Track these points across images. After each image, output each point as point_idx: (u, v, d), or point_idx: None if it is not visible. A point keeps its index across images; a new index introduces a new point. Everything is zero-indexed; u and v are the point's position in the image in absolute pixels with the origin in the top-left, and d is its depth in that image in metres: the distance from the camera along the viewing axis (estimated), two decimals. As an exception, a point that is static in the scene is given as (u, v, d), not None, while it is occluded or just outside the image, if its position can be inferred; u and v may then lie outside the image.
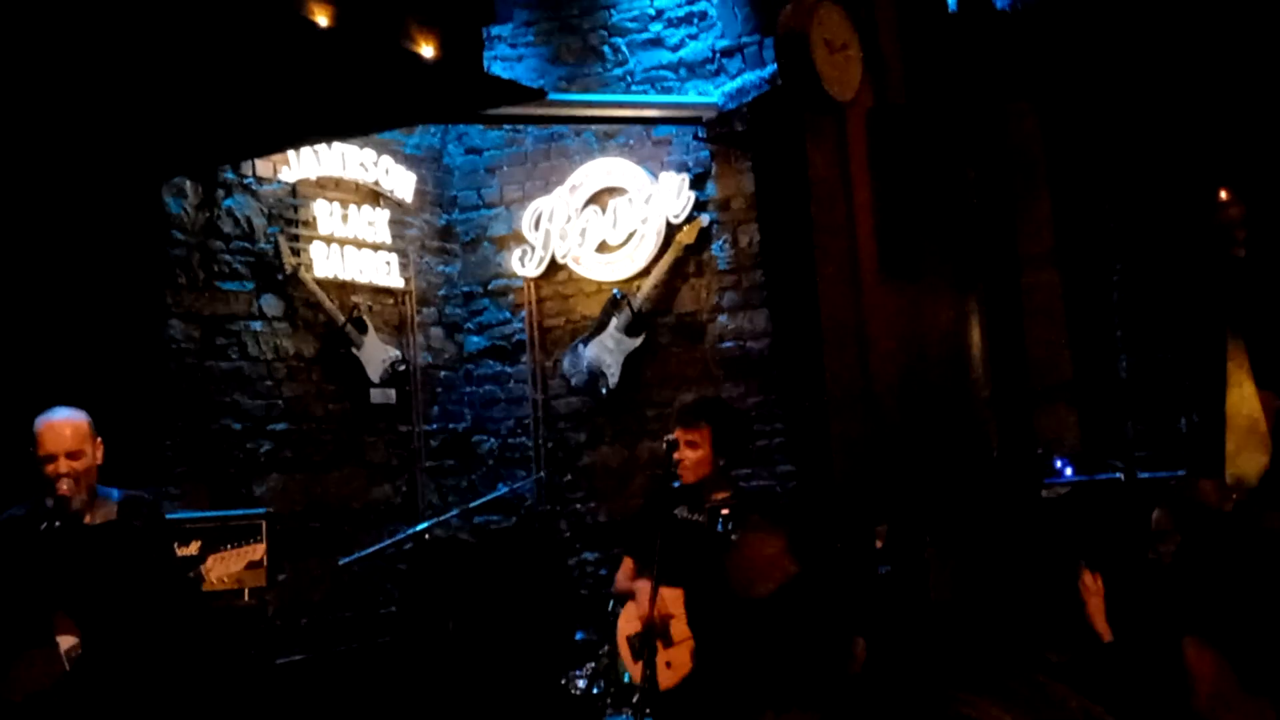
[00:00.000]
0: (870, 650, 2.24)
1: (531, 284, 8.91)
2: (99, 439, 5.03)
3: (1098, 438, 7.33)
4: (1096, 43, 7.12)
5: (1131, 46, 7.13)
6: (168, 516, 5.47)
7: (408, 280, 8.71)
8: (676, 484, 5.57)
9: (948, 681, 1.96)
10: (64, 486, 4.89)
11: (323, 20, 4.37)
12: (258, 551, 5.98)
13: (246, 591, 6.03)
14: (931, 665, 2.05)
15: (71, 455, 4.92)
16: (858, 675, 2.27)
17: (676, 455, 5.50)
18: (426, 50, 4.75)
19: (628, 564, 5.81)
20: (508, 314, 9.05)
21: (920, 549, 4.40)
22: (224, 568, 5.90)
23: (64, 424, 4.97)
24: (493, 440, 9.04)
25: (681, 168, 8.48)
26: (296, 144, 7.63)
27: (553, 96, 7.83)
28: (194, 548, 6.00)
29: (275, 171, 7.93)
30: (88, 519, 4.92)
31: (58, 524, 4.86)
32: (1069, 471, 6.84)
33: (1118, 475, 6.64)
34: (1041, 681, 1.93)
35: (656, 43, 8.58)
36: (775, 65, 7.79)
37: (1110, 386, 7.51)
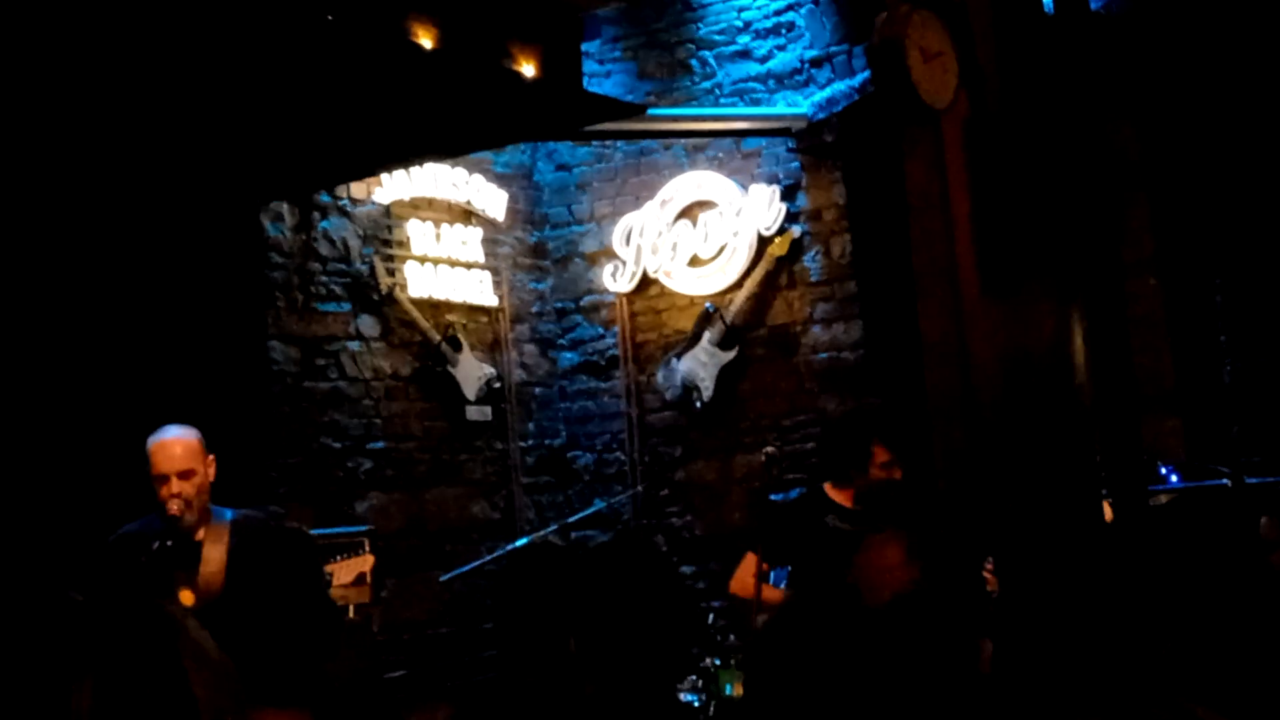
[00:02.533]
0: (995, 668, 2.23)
1: (623, 299, 8.93)
2: (210, 456, 5.10)
3: (1203, 444, 7.21)
4: (1193, 42, 7.02)
5: (1228, 44, 7.02)
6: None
7: (501, 298, 8.77)
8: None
9: (1084, 710, 1.94)
10: (174, 507, 4.97)
11: (427, 43, 4.42)
12: (362, 566, 6.04)
13: (352, 608, 6.10)
14: (1062, 692, 2.03)
15: (183, 475, 5.00)
16: (985, 676, 2.26)
17: (888, 475, 5.47)
18: (528, 69, 4.78)
19: (751, 560, 5.74)
20: (600, 329, 9.08)
21: (1029, 569, 4.36)
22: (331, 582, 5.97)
23: (174, 443, 5.05)
24: (588, 456, 9.07)
25: (771, 179, 8.46)
26: (396, 166, 7.72)
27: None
28: (299, 565, 6.06)
29: (369, 193, 8.03)
30: (199, 536, 4.99)
31: (170, 543, 4.94)
32: (1174, 478, 6.74)
33: (1224, 481, 6.52)
34: (1183, 704, 1.90)
35: (744, 55, 8.57)
36: (865, 74, 7.77)
37: (1215, 392, 7.38)
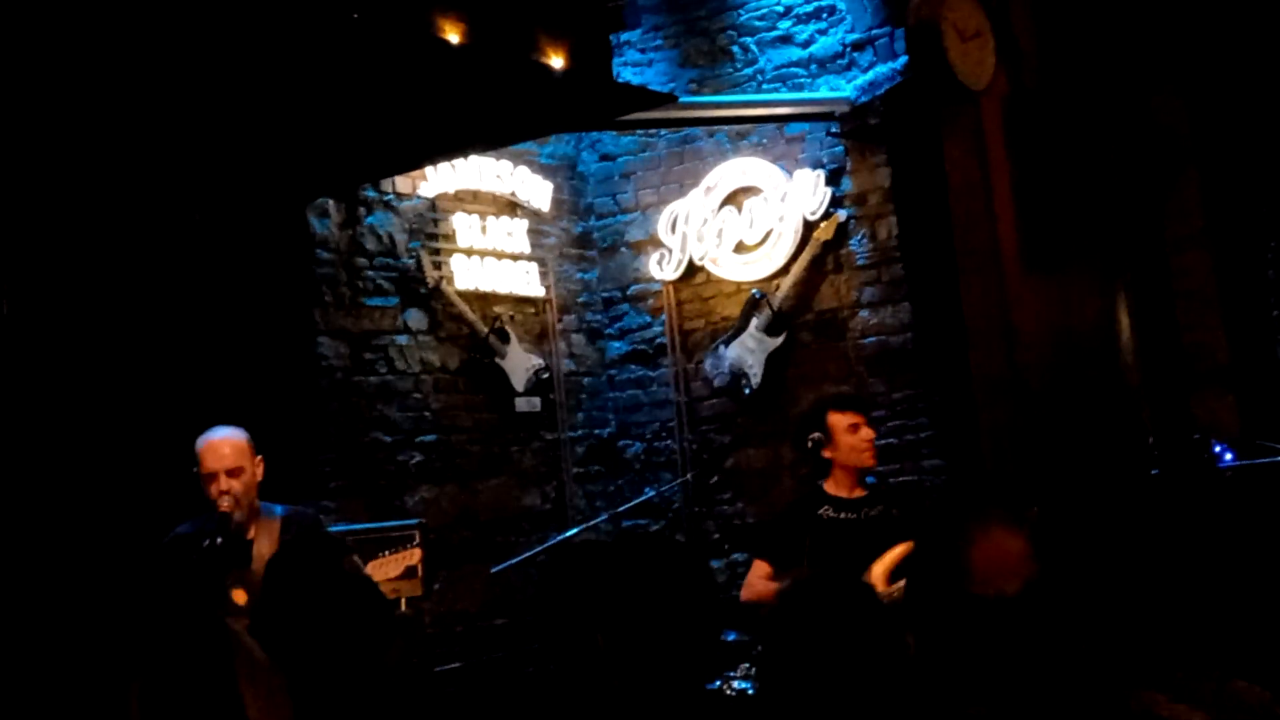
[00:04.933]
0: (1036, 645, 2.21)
1: (670, 287, 8.93)
2: (259, 456, 5.16)
3: (1257, 421, 7.11)
4: (1243, 15, 6.92)
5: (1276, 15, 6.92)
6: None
7: (547, 289, 8.79)
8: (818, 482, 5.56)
9: (1127, 680, 1.92)
10: (225, 504, 5.04)
11: (454, 38, 4.44)
12: (413, 559, 6.07)
13: (403, 600, 6.13)
14: (1107, 662, 2.01)
15: (231, 473, 5.07)
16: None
17: (860, 439, 5.43)
18: (556, 61, 4.79)
19: (761, 568, 5.71)
20: (647, 318, 9.08)
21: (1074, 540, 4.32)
22: (381, 576, 6.01)
23: (223, 442, 5.12)
24: (638, 444, 9.08)
25: (816, 164, 8.42)
26: (434, 160, 7.75)
27: (684, 99, 7.85)
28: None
29: (414, 187, 8.06)
30: (250, 534, 5.05)
31: (220, 541, 5.00)
32: (1228, 456, 6.65)
33: (1278, 459, 6.43)
34: (1223, 677, 1.88)
35: (786, 40, 8.53)
36: (907, 57, 7.72)
37: (1269, 367, 7.28)
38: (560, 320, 8.88)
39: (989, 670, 2.20)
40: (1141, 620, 2.12)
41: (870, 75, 8.09)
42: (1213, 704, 1.83)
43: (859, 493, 5.49)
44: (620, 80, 5.29)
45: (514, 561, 7.27)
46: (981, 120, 5.27)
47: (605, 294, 9.23)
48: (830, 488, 5.54)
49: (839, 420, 5.47)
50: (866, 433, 5.47)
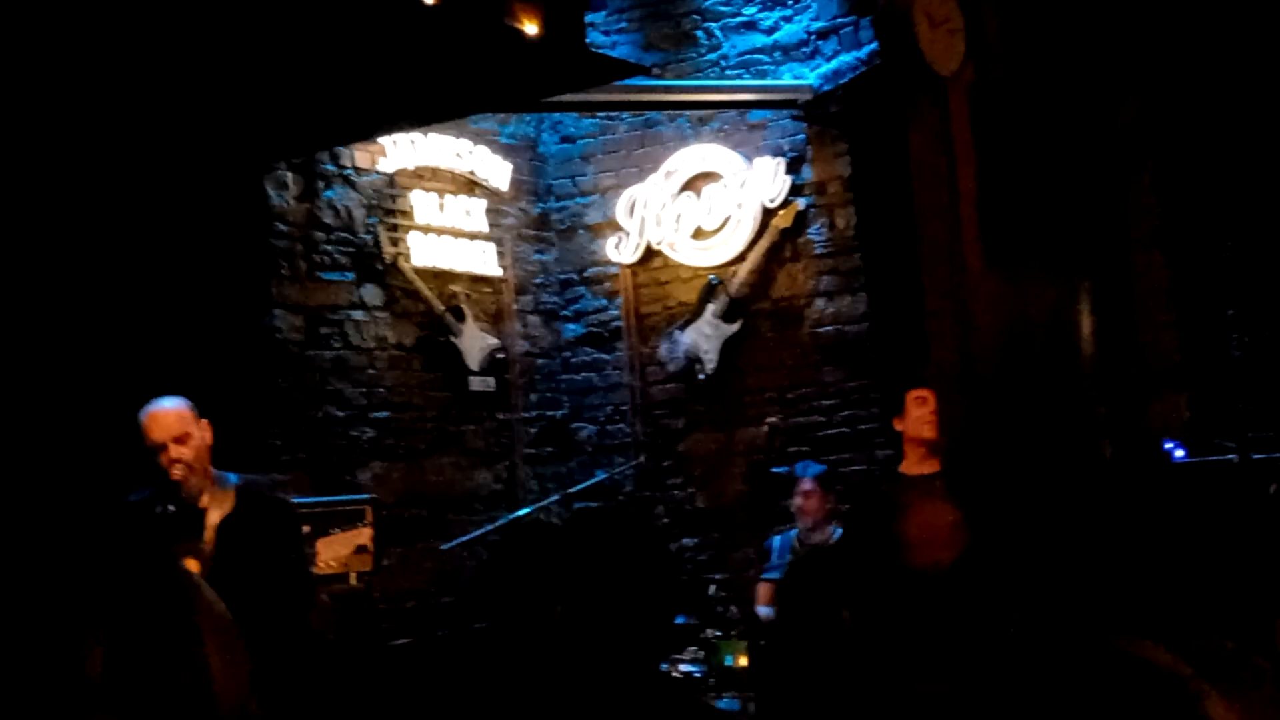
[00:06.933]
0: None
1: (627, 271, 8.91)
2: (204, 420, 5.08)
3: (1209, 419, 7.18)
4: (1197, 16, 6.98)
5: (1233, 18, 6.98)
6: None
7: (505, 269, 8.75)
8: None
9: (1109, 627, 1.93)
10: (177, 473, 4.95)
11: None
12: (364, 535, 6.04)
13: (353, 576, 6.10)
14: (1088, 616, 2.02)
15: (179, 440, 4.97)
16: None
17: (924, 411, 5.43)
18: (530, 28, 4.74)
19: None
20: (604, 301, 9.06)
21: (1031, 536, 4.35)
22: (331, 552, 5.98)
23: (165, 413, 5.02)
24: (590, 427, 9.06)
25: (777, 152, 8.42)
26: (402, 127, 7.66)
27: (647, 82, 7.83)
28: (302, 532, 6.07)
29: (373, 162, 8.01)
30: (204, 501, 4.98)
31: (172, 508, 4.93)
32: (1180, 454, 6.71)
33: (1231, 457, 6.50)
34: (1217, 638, 1.90)
35: (750, 26, 8.52)
36: (871, 46, 7.73)
37: (1221, 366, 7.35)
38: (516, 301, 8.84)
39: (928, 641, 2.20)
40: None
41: (834, 64, 8.10)
42: (1198, 654, 1.83)
43: (927, 468, 5.49)
44: (594, 51, 5.22)
45: (464, 540, 7.24)
46: (948, 110, 5.29)
47: (562, 276, 9.20)
48: (902, 465, 5.58)
49: (911, 395, 5.50)
50: (931, 404, 5.48)
